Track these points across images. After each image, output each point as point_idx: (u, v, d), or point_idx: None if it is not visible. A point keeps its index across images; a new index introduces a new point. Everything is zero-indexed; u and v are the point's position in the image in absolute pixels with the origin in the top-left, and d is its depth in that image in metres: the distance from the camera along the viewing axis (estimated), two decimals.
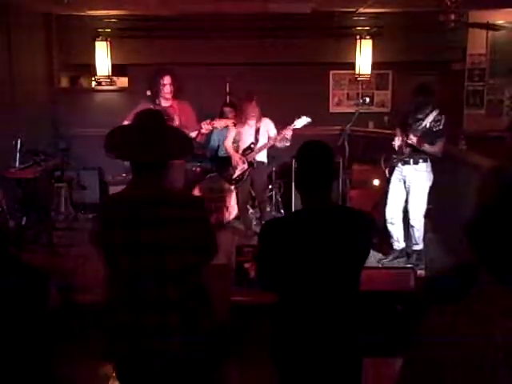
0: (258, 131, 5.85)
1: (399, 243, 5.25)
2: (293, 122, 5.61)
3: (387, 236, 5.27)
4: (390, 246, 5.30)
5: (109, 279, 2.24)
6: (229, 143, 6.04)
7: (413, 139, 4.78)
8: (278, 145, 5.74)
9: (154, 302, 2.14)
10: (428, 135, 4.79)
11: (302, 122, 5.60)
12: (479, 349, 1.22)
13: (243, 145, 5.94)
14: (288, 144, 5.68)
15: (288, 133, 5.58)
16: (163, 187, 2.22)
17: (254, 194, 6.31)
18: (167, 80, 5.02)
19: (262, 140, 5.84)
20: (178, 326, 2.15)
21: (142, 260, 2.13)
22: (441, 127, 4.74)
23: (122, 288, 2.19)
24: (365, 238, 2.36)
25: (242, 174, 5.96)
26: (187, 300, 2.19)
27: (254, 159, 5.90)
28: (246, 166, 5.90)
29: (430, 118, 4.80)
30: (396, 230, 5.20)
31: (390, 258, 5.24)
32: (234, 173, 6.00)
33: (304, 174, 2.30)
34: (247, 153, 5.90)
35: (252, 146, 5.88)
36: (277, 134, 5.73)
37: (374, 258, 5.26)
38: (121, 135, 2.29)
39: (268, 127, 5.85)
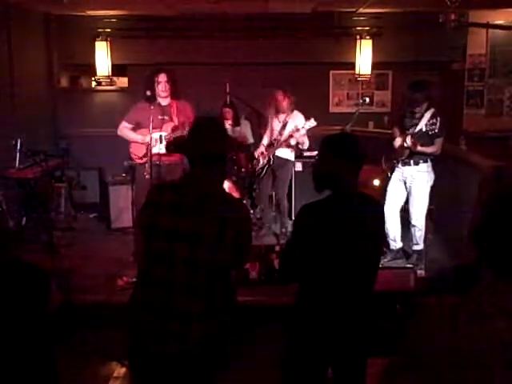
0: (284, 126, 5.83)
1: (396, 243, 5.24)
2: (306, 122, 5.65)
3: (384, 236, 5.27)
4: (387, 246, 5.30)
5: (144, 258, 2.34)
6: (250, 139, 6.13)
7: (408, 143, 4.78)
8: (300, 145, 5.77)
9: (181, 289, 2.21)
10: (425, 137, 4.79)
11: (310, 124, 5.63)
12: (477, 348, 1.22)
13: (269, 139, 5.98)
14: (306, 146, 5.73)
15: (297, 135, 5.63)
16: (215, 184, 2.36)
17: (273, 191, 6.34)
18: (162, 78, 5.02)
19: (285, 143, 5.78)
20: (201, 312, 2.21)
21: (176, 246, 2.22)
22: (436, 131, 4.73)
23: (154, 269, 2.27)
24: (383, 223, 2.61)
25: (262, 168, 6.01)
26: (213, 294, 2.25)
27: (273, 155, 5.89)
28: (265, 161, 5.96)
29: (425, 119, 4.80)
30: (393, 229, 5.19)
31: (388, 258, 5.22)
32: (257, 166, 6.07)
33: (338, 162, 2.37)
34: (270, 148, 5.93)
35: (274, 141, 5.89)
36: (287, 136, 5.74)
37: None
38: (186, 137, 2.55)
39: (297, 122, 5.72)
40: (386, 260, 5.20)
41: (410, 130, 4.85)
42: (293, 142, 5.73)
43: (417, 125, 4.83)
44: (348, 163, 2.37)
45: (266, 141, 6.05)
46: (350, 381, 2.41)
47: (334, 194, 2.41)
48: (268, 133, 6.04)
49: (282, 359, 2.43)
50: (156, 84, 5.01)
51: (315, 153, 5.55)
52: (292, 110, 5.78)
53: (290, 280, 2.48)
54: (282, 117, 5.84)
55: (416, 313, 1.37)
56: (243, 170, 6.52)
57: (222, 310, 2.30)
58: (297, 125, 5.69)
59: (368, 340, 2.40)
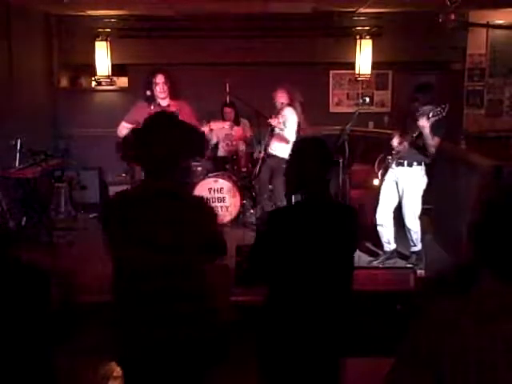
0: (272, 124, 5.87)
1: (390, 245, 5.21)
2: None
3: (378, 238, 5.25)
4: (381, 247, 5.28)
5: (115, 273, 2.30)
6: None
7: (422, 123, 4.60)
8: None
9: (157, 298, 2.18)
10: (432, 127, 4.68)
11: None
12: (480, 348, 1.22)
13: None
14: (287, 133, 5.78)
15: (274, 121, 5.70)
16: (169, 186, 2.25)
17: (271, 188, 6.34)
18: (160, 79, 5.01)
19: (279, 132, 5.84)
20: (182, 321, 2.18)
21: (145, 255, 2.17)
22: (444, 114, 4.57)
23: (126, 282, 2.25)
24: (354, 230, 2.44)
25: (258, 167, 6.09)
26: (191, 296, 2.22)
27: (265, 153, 5.96)
28: (259, 160, 6.03)
29: (434, 111, 4.69)
30: (386, 231, 5.16)
31: (381, 259, 5.20)
32: (256, 167, 6.13)
33: (303, 170, 2.34)
34: (264, 147, 5.99)
35: (266, 139, 5.94)
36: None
37: (364, 259, 5.24)
38: (131, 140, 2.34)
39: (288, 117, 5.80)
40: (377, 262, 5.18)
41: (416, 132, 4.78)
42: (277, 130, 5.80)
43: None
44: (315, 169, 2.32)
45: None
46: (324, 381, 2.38)
47: (302, 200, 2.36)
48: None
49: (259, 362, 2.41)
50: (154, 85, 5.01)
51: None
52: (283, 108, 5.84)
53: (254, 283, 2.46)
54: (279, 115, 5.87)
55: (417, 313, 1.36)
56: (243, 169, 6.53)
57: (208, 311, 2.27)
58: (287, 120, 5.79)
59: (341, 341, 2.36)
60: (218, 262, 2.52)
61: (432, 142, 4.77)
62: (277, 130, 5.86)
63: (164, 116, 2.38)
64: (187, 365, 2.25)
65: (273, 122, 5.74)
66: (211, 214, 2.34)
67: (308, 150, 2.38)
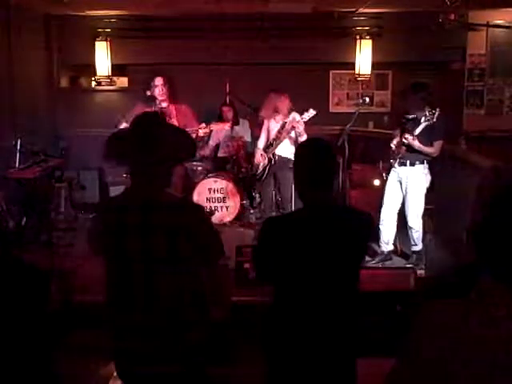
0: (283, 126, 5.80)
1: (388, 245, 5.21)
2: (301, 115, 5.60)
3: (376, 237, 5.24)
4: (378, 247, 5.27)
5: (107, 280, 2.26)
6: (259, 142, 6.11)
7: (408, 138, 4.74)
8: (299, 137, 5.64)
9: (149, 304, 2.15)
10: (425, 133, 4.74)
11: (309, 114, 5.57)
12: (486, 351, 1.21)
13: (268, 140, 5.94)
14: (303, 138, 5.61)
15: (300, 127, 5.55)
16: (158, 190, 2.17)
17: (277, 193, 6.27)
18: (158, 81, 5.08)
19: (287, 135, 5.73)
20: (173, 327, 2.15)
21: (136, 263, 2.13)
22: (435, 120, 4.64)
23: (120, 289, 2.21)
24: (363, 236, 2.38)
25: (263, 170, 5.97)
26: (183, 303, 2.17)
27: (273, 155, 5.86)
28: (266, 161, 5.92)
29: (425, 116, 4.75)
30: (388, 231, 5.16)
31: (376, 260, 5.19)
32: (258, 169, 6.03)
33: (306, 173, 2.30)
34: (269, 149, 5.91)
35: (273, 141, 5.87)
36: (288, 128, 5.68)
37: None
38: (118, 140, 2.28)
39: (295, 122, 5.66)
40: (373, 262, 5.16)
41: (410, 127, 4.82)
42: (293, 134, 5.67)
43: (418, 123, 4.78)
44: (314, 174, 2.26)
45: (262, 144, 5.97)
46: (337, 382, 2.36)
47: (304, 206, 2.30)
48: (264, 134, 5.99)
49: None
50: (153, 87, 5.08)
51: None
52: (290, 112, 5.71)
53: (264, 280, 2.44)
54: (278, 117, 5.80)
55: (418, 314, 1.36)
56: (243, 170, 6.52)
57: (195, 326, 2.21)
58: (294, 117, 5.63)
59: (350, 343, 2.34)
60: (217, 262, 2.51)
61: (429, 149, 4.79)
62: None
63: (153, 117, 2.32)
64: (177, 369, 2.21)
65: (301, 131, 5.54)
66: (203, 218, 2.26)
67: (306, 155, 2.34)
